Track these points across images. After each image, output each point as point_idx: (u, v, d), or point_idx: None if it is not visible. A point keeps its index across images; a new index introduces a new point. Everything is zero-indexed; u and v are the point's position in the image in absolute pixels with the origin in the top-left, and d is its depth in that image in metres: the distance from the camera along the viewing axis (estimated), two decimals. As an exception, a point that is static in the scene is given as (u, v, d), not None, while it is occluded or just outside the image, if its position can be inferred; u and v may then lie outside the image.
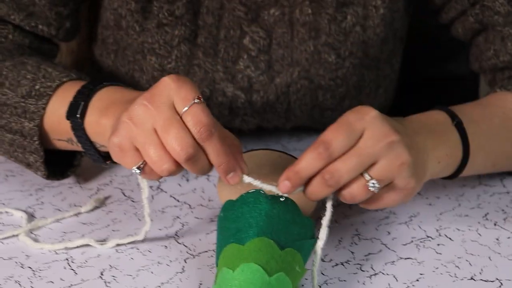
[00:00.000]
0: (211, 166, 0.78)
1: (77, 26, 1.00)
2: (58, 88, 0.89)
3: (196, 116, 0.76)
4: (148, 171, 0.78)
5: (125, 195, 0.96)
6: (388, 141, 0.77)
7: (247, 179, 0.79)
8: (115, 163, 0.82)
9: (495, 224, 0.91)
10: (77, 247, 0.85)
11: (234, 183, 0.78)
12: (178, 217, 0.91)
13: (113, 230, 0.89)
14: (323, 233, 0.79)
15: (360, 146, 0.77)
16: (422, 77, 1.33)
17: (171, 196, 0.95)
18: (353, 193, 0.77)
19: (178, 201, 0.94)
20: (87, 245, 0.85)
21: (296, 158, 0.85)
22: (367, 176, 0.77)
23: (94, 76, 1.05)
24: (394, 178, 0.78)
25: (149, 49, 0.98)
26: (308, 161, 0.77)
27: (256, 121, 1.03)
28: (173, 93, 0.76)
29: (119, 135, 0.77)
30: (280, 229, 0.77)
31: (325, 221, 0.79)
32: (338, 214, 0.90)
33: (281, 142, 1.07)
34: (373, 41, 1.00)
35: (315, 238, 0.79)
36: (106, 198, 0.95)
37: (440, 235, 0.89)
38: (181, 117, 0.76)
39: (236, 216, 0.79)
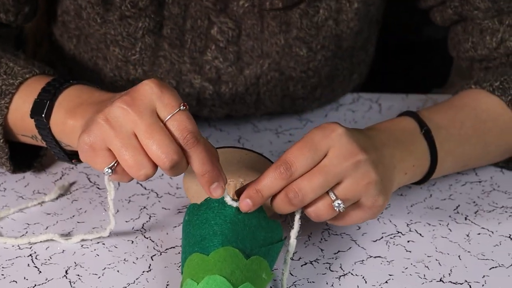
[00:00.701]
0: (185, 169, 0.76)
1: (36, 9, 0.95)
2: (21, 85, 0.86)
3: (182, 123, 0.73)
4: (120, 172, 0.75)
5: (90, 181, 0.93)
6: (354, 161, 0.77)
7: (227, 198, 0.78)
8: (81, 162, 0.80)
9: (465, 219, 0.90)
10: (41, 241, 0.84)
11: (217, 196, 0.76)
12: (145, 207, 0.90)
13: (78, 222, 0.87)
14: (291, 246, 0.78)
15: (326, 164, 0.76)
16: (401, 42, 1.31)
17: (137, 183, 0.93)
18: (318, 212, 0.77)
19: (145, 188, 0.92)
20: (52, 239, 0.84)
21: (263, 156, 0.83)
22: (332, 196, 0.76)
23: (54, 58, 1.02)
24: (360, 197, 0.77)
25: (112, 41, 0.94)
26: (270, 180, 0.76)
27: (225, 111, 1.01)
28: (155, 98, 0.73)
29: (92, 134, 0.74)
30: (245, 235, 0.76)
31: (293, 233, 0.78)
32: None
33: (252, 121, 1.05)
34: (347, 34, 0.97)
35: (282, 240, 0.78)
36: (71, 184, 0.92)
37: (410, 230, 0.88)
38: (164, 124, 0.73)
39: (200, 221, 0.77)
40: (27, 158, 0.91)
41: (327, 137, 0.77)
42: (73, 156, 0.84)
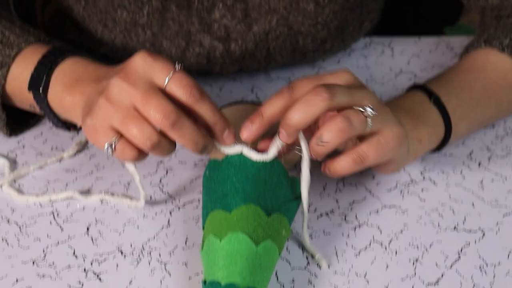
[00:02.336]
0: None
1: None
2: (17, 55, 0.86)
3: (182, 81, 0.74)
4: (121, 148, 0.76)
5: (107, 136, 0.94)
6: (366, 89, 0.77)
7: (245, 150, 0.78)
8: (78, 129, 0.82)
9: (479, 165, 0.91)
10: (62, 200, 0.85)
11: (230, 142, 0.77)
12: (161, 161, 0.91)
13: (97, 178, 0.88)
14: (304, 198, 0.79)
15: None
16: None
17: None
18: (350, 116, 0.74)
19: (161, 142, 0.93)
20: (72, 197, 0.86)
21: None
22: (357, 107, 0.75)
23: (63, 19, 1.01)
24: (382, 121, 0.77)
25: (119, 4, 0.94)
26: (271, 102, 0.76)
27: (235, 68, 1.01)
28: (148, 68, 0.74)
29: (95, 116, 0.75)
30: (266, 193, 0.77)
31: (304, 184, 0.79)
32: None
33: (267, 69, 1.05)
34: None
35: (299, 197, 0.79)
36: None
37: (424, 178, 0.89)
38: (165, 90, 0.74)
39: (222, 178, 0.78)
40: (24, 118, 0.93)
41: (334, 72, 0.79)
42: (70, 125, 0.86)
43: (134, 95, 0.74)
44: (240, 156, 0.78)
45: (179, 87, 0.74)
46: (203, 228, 0.78)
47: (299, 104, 0.75)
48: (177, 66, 0.75)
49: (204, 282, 0.73)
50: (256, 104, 0.83)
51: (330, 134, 0.74)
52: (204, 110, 0.75)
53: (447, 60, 1.08)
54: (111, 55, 1.02)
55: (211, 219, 0.77)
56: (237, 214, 0.75)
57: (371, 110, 0.76)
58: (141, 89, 0.74)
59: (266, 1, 0.94)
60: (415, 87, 0.89)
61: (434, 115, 0.86)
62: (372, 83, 1.04)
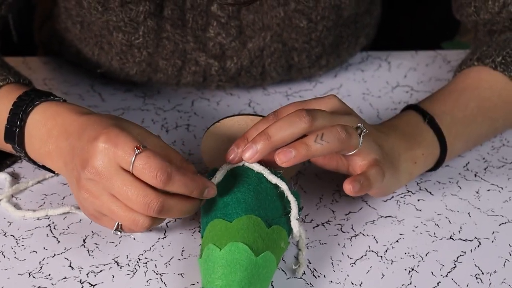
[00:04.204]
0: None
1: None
2: None
3: (145, 166, 0.74)
4: (127, 228, 0.79)
5: (105, 150, 0.95)
6: (351, 116, 0.80)
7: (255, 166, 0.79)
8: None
9: (475, 175, 0.91)
10: (59, 214, 0.86)
11: (212, 195, 0.77)
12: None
13: (94, 191, 0.89)
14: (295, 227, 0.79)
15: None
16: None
17: (151, 150, 0.94)
18: (348, 129, 0.76)
19: (158, 155, 0.94)
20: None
21: None
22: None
23: (62, 38, 1.02)
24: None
25: (115, 27, 0.95)
26: (256, 126, 0.78)
27: (232, 85, 1.02)
28: (112, 155, 0.74)
29: (86, 210, 0.79)
30: (267, 205, 0.77)
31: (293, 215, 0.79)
32: (318, 168, 0.89)
33: (263, 85, 1.06)
34: (346, 4, 0.97)
35: (300, 210, 0.79)
36: (86, 153, 0.94)
37: (420, 189, 0.89)
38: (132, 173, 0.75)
39: (223, 187, 0.79)
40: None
41: (321, 98, 0.80)
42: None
43: (109, 188, 0.75)
44: (242, 166, 0.79)
45: (143, 172, 0.74)
46: (202, 236, 0.78)
47: (280, 121, 0.77)
48: (136, 150, 0.74)
49: None
50: (257, 115, 0.83)
51: (331, 136, 0.76)
52: (176, 189, 0.75)
53: (444, 73, 1.09)
54: (108, 75, 1.03)
55: (211, 227, 0.77)
56: (238, 224, 0.76)
57: (362, 127, 0.78)
58: (113, 181, 0.74)
59: (260, 18, 0.95)
60: (409, 108, 0.89)
61: (429, 135, 0.86)
62: (369, 96, 1.04)
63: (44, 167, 0.85)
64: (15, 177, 0.90)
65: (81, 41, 1.00)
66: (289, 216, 0.78)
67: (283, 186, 0.79)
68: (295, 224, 0.78)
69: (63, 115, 0.81)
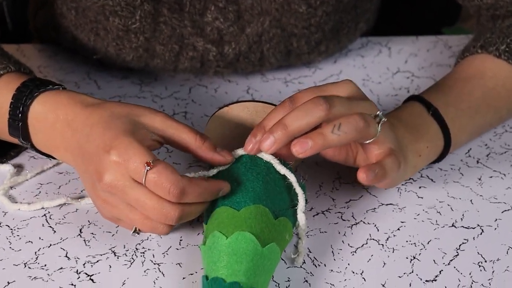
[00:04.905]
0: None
1: None
2: None
3: (157, 182, 0.73)
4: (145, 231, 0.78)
5: (101, 138, 0.93)
6: (367, 101, 0.77)
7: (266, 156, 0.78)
8: None
9: (477, 162, 0.90)
10: (55, 206, 0.84)
11: (226, 193, 0.76)
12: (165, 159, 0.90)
13: (90, 180, 0.87)
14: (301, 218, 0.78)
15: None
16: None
17: (148, 138, 0.93)
18: (367, 118, 0.74)
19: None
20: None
21: None
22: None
23: (58, 25, 1.00)
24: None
25: (111, 11, 0.93)
26: (273, 114, 0.76)
27: (230, 71, 1.00)
28: (124, 170, 0.73)
29: (105, 215, 0.79)
30: (275, 196, 0.76)
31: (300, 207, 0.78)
32: (318, 157, 0.88)
33: (261, 71, 1.04)
34: None
35: (307, 203, 0.78)
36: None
37: (422, 176, 0.88)
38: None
39: (231, 175, 0.77)
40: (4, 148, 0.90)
41: (336, 83, 0.78)
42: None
43: (127, 199, 0.75)
44: (252, 155, 0.78)
45: (156, 188, 0.73)
46: (206, 223, 0.77)
47: (296, 110, 0.74)
48: (147, 166, 0.73)
49: (206, 278, 0.72)
50: (268, 103, 0.82)
51: (349, 126, 0.73)
52: (190, 200, 0.75)
53: (445, 59, 1.08)
54: (105, 62, 1.01)
55: (217, 215, 0.76)
56: (245, 213, 0.74)
57: (382, 116, 0.76)
58: (130, 194, 0.74)
59: (258, 3, 0.94)
60: (412, 98, 0.88)
61: (433, 127, 0.85)
62: (369, 82, 1.03)
63: (53, 157, 0.84)
64: (19, 169, 0.89)
65: (77, 27, 0.98)
66: (296, 209, 0.77)
67: (292, 177, 0.77)
68: (302, 217, 0.77)
69: (64, 108, 0.80)
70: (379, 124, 0.76)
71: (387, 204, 0.84)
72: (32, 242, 0.80)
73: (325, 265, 0.78)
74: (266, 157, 0.77)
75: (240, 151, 0.79)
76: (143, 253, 0.79)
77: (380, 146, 0.77)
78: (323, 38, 0.99)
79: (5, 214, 0.83)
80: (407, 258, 0.78)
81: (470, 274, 0.77)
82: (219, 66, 0.98)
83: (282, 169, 0.77)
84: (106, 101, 0.79)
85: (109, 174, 0.74)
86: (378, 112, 0.76)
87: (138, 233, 0.80)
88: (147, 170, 0.73)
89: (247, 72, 1.02)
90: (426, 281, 0.76)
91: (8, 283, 0.76)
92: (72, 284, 0.76)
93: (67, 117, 0.79)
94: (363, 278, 0.76)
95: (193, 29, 0.95)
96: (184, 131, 0.77)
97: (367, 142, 0.76)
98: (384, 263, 0.78)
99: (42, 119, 0.80)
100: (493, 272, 0.77)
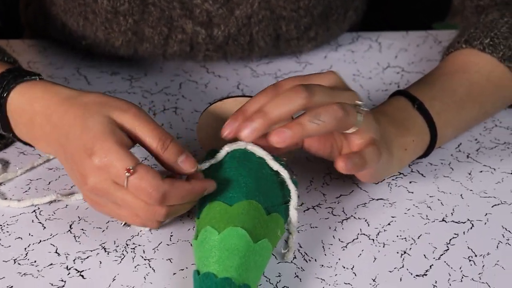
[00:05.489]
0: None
1: None
2: None
3: (138, 187, 0.73)
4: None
5: (91, 134, 0.93)
6: (350, 91, 0.77)
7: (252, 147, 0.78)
8: None
9: (467, 156, 0.90)
10: (45, 203, 0.84)
11: (212, 191, 0.76)
12: (146, 158, 0.89)
13: (80, 176, 0.87)
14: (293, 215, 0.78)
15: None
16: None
17: (138, 134, 0.93)
18: (346, 107, 0.73)
19: (146, 139, 0.92)
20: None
21: None
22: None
23: (48, 12, 1.00)
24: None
25: None
26: (255, 99, 0.75)
27: (219, 55, 1.00)
28: (106, 175, 0.73)
29: (94, 208, 0.79)
30: (267, 191, 0.76)
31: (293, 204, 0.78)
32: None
33: (250, 66, 1.04)
34: None
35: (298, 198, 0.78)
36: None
37: (412, 171, 0.88)
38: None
39: (223, 170, 0.77)
40: None
41: (320, 73, 0.77)
42: None
43: (113, 199, 0.75)
44: (244, 149, 0.77)
45: (138, 193, 0.73)
46: (198, 217, 0.77)
47: (277, 98, 0.74)
48: (126, 172, 0.73)
49: (197, 272, 0.72)
50: None
51: (328, 116, 0.73)
52: (174, 202, 0.75)
53: (435, 54, 1.08)
54: (94, 50, 1.01)
55: (209, 209, 0.75)
56: (238, 208, 0.74)
57: (363, 106, 0.75)
58: (114, 195, 0.74)
59: None
60: (398, 93, 0.88)
61: (418, 121, 0.84)
62: (359, 77, 1.03)
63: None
64: (6, 165, 0.88)
65: (66, 12, 0.98)
66: (288, 205, 0.77)
67: (285, 174, 0.77)
68: (294, 214, 0.77)
69: (41, 101, 0.79)
70: (360, 114, 0.75)
71: (377, 199, 0.85)
72: (21, 238, 0.80)
73: (315, 260, 0.78)
74: (259, 152, 0.77)
75: (231, 146, 0.78)
76: (134, 249, 0.79)
77: (362, 135, 0.77)
78: (312, 23, 0.99)
79: (-6, 210, 0.83)
80: (397, 253, 0.79)
81: (460, 268, 0.77)
82: (208, 50, 0.98)
83: (275, 165, 0.77)
84: (81, 93, 0.79)
85: (93, 178, 0.74)
86: (358, 102, 0.76)
87: (129, 226, 0.80)
88: (127, 176, 0.73)
89: (237, 57, 1.02)
90: (417, 275, 0.76)
91: (-2, 279, 0.76)
92: (62, 280, 0.76)
93: (44, 110, 0.79)
94: (353, 273, 0.76)
95: (182, 11, 0.94)
96: (148, 134, 0.76)
97: (349, 132, 0.76)
98: (375, 258, 0.78)
99: (20, 111, 0.80)
100: (483, 266, 0.77)
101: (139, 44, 0.97)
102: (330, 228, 0.81)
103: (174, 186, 0.74)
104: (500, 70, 0.90)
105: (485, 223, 0.82)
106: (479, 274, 0.76)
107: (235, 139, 0.77)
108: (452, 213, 0.83)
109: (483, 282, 0.76)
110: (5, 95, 0.80)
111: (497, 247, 0.79)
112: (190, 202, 0.76)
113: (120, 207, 0.76)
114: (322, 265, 0.77)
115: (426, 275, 0.76)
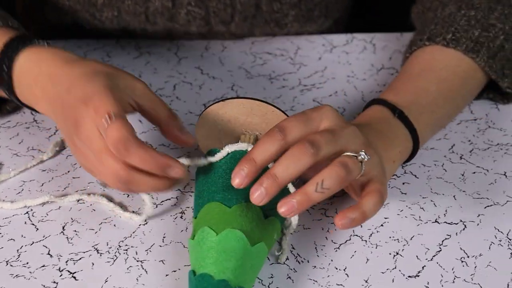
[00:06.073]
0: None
1: None
2: None
3: (111, 136, 0.73)
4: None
5: (85, 136, 0.93)
6: (350, 128, 0.76)
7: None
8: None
9: (461, 158, 0.90)
10: (38, 205, 0.84)
11: (179, 176, 0.75)
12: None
13: (73, 178, 0.87)
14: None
15: (327, 129, 0.75)
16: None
17: (132, 135, 0.93)
18: (347, 163, 0.73)
19: (139, 140, 0.92)
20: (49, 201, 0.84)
21: (276, 107, 0.82)
22: (349, 153, 0.74)
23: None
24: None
25: None
26: (263, 146, 0.73)
27: (202, 12, 0.99)
28: (93, 122, 0.74)
29: (81, 164, 0.79)
30: None
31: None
32: (302, 152, 0.88)
33: (244, 68, 1.04)
34: None
35: None
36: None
37: (405, 172, 0.88)
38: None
39: (223, 170, 0.77)
40: None
41: (318, 110, 0.76)
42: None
43: (91, 150, 0.76)
44: (246, 151, 0.78)
45: (109, 142, 0.74)
46: (195, 217, 0.76)
47: (284, 159, 0.73)
48: (104, 122, 0.73)
49: (193, 273, 0.72)
50: (262, 101, 0.81)
51: (331, 181, 0.72)
52: (134, 162, 0.74)
53: (429, 55, 1.08)
54: (80, 20, 1.02)
55: (208, 210, 0.75)
56: (237, 210, 0.74)
57: (364, 155, 0.75)
58: (93, 145, 0.75)
59: None
60: (375, 102, 0.87)
61: (400, 130, 0.84)
62: (353, 79, 1.03)
63: (35, 110, 0.85)
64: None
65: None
66: None
67: (292, 189, 0.77)
68: (295, 217, 0.77)
69: (47, 62, 0.81)
70: (362, 164, 0.74)
71: (370, 200, 0.84)
72: (14, 240, 0.80)
73: (308, 262, 0.78)
74: None
75: (232, 147, 0.78)
76: (126, 250, 0.79)
77: (366, 176, 0.76)
78: None
79: (-13, 212, 0.83)
80: (390, 254, 0.79)
81: (452, 269, 0.77)
82: (190, 5, 0.98)
83: None
84: (89, 59, 0.81)
85: (85, 125, 0.75)
86: (361, 153, 0.75)
87: (105, 186, 0.81)
88: (108, 125, 0.73)
89: (219, 20, 1.01)
90: (409, 276, 0.76)
91: (-10, 281, 0.76)
92: (54, 282, 0.76)
93: (49, 70, 0.80)
94: (346, 274, 0.77)
95: None
96: (159, 105, 0.80)
97: None
98: (367, 259, 0.78)
99: (25, 72, 0.81)
100: (475, 267, 0.77)
101: (121, 1, 0.97)
102: (323, 229, 0.81)
103: (140, 145, 0.73)
104: (465, 63, 0.91)
105: (478, 224, 0.82)
106: (471, 275, 0.76)
107: (236, 140, 0.78)
108: (445, 214, 0.83)
109: (475, 283, 0.76)
110: (13, 55, 0.81)
111: (489, 248, 0.79)
112: (151, 179, 0.75)
113: (100, 162, 0.75)
114: (315, 266, 0.77)
115: (418, 276, 0.76)
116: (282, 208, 0.72)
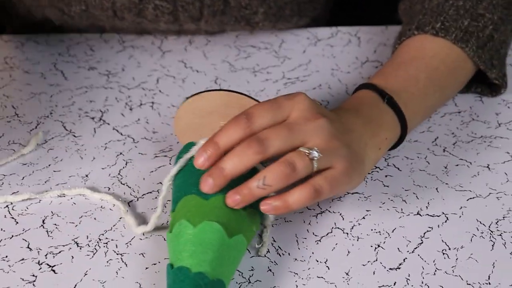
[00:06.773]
0: None
1: None
2: None
3: None
4: None
5: (66, 129, 0.92)
6: (317, 123, 0.75)
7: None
8: None
9: (444, 150, 0.90)
10: (19, 201, 0.83)
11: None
12: (121, 153, 0.89)
13: (54, 171, 0.87)
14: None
15: (289, 122, 0.75)
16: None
17: (114, 128, 0.92)
18: (294, 161, 0.73)
19: (121, 134, 0.92)
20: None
21: (250, 97, 0.82)
22: (303, 149, 0.74)
23: None
24: (330, 158, 0.75)
25: None
26: (227, 131, 0.74)
27: (170, 7, 0.99)
28: None
29: None
30: None
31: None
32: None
33: (228, 61, 1.04)
34: None
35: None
36: (46, 132, 0.92)
37: (388, 165, 0.88)
38: None
39: None
40: None
41: (291, 98, 0.76)
42: None
43: None
44: None
45: None
46: (173, 210, 0.76)
47: (232, 155, 0.74)
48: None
49: (171, 266, 0.72)
50: (239, 93, 0.80)
51: (273, 178, 0.73)
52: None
53: (414, 48, 1.07)
54: (52, 16, 1.02)
55: (184, 203, 0.75)
56: (214, 202, 0.74)
57: (316, 153, 0.74)
58: None
59: None
60: (364, 86, 0.87)
61: (389, 116, 0.84)
62: (338, 72, 1.03)
63: None
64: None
65: None
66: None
67: (261, 167, 0.77)
68: None
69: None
70: (315, 160, 0.74)
71: (353, 193, 0.84)
72: (-7, 234, 0.79)
73: (289, 254, 0.77)
74: None
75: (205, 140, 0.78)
76: (106, 243, 0.78)
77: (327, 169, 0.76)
78: None
79: (-33, 206, 0.82)
80: (371, 246, 0.78)
81: (434, 261, 0.77)
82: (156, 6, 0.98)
83: None
84: None
85: None
86: (312, 151, 0.74)
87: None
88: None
89: (187, 15, 1.00)
90: (390, 269, 0.76)
91: (-31, 274, 0.75)
92: (33, 275, 0.75)
93: None
94: (327, 266, 0.76)
95: None
96: None
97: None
98: (348, 252, 0.78)
99: None
100: (456, 259, 0.77)
101: None
102: (304, 222, 0.81)
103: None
104: (455, 52, 0.91)
105: (460, 217, 0.81)
106: (452, 267, 0.76)
107: (211, 133, 0.77)
108: (427, 207, 0.83)
109: (456, 275, 0.75)
110: None
111: (471, 240, 0.79)
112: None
113: None
114: (296, 259, 0.77)
115: (399, 268, 0.76)
116: (228, 200, 0.74)
